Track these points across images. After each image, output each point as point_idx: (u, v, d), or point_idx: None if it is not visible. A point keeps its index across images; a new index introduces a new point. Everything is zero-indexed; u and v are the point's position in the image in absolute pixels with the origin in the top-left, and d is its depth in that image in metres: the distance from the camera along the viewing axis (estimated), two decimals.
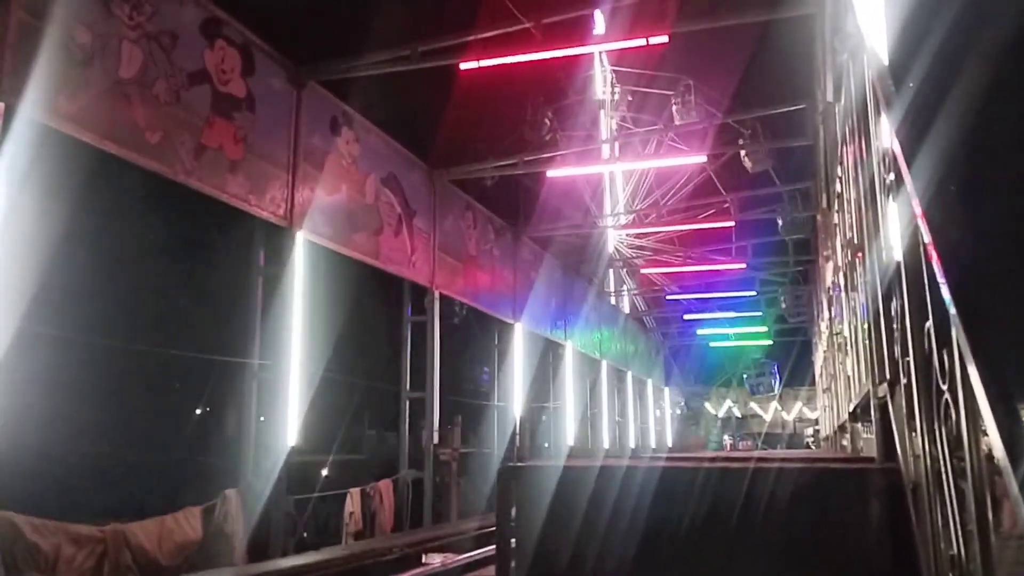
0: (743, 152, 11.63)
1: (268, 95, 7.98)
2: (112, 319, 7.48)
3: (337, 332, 9.91)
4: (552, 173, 12.70)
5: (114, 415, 7.88)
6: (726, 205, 15.32)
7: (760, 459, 3.37)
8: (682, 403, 32.21)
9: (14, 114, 5.31)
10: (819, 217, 11.15)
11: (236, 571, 6.25)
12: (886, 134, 2.72)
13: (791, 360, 26.22)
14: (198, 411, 10.36)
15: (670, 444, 29.02)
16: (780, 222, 14.50)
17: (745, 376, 28.68)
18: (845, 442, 7.33)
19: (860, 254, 4.03)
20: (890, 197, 2.74)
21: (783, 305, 20.51)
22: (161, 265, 8.76)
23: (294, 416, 8.00)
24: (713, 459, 3.99)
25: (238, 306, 8.59)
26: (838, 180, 5.99)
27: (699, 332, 26.97)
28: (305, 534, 9.38)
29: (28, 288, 5.84)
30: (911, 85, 2.26)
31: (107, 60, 6.13)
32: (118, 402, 7.92)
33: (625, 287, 23.32)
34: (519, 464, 3.63)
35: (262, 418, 8.21)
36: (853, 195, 4.42)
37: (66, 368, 6.94)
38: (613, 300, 22.87)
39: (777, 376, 28.73)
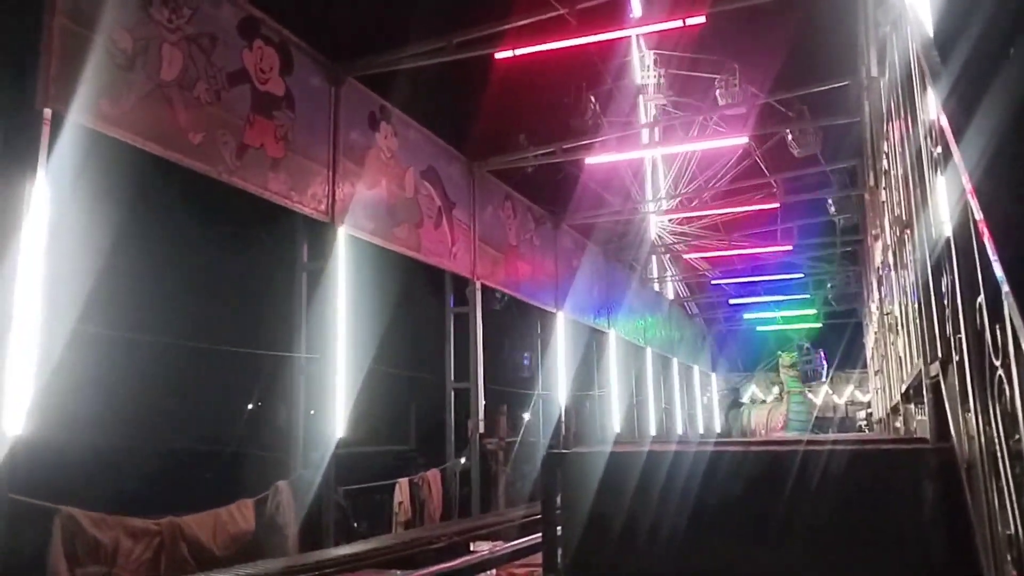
0: (789, 138, 11.43)
1: (307, 93, 8.06)
2: (163, 318, 7.65)
3: (381, 325, 10.01)
4: (592, 160, 12.63)
5: (168, 411, 8.07)
6: (772, 190, 15.08)
7: (810, 442, 3.32)
8: (728, 388, 31.85)
9: (60, 119, 5.45)
10: (867, 196, 10.90)
11: (288, 560, 6.37)
12: (932, 107, 2.65)
13: (843, 343, 25.70)
14: (249, 405, 10.57)
15: (718, 430, 28.75)
16: (830, 202, 14.22)
17: (792, 363, 28.17)
18: (898, 424, 7.18)
19: (908, 231, 3.94)
20: (938, 172, 2.67)
21: (831, 287, 20.13)
22: (208, 263, 8.93)
23: (341, 408, 8.11)
24: (762, 443, 3.93)
25: (284, 301, 8.73)
26: (884, 157, 5.85)
27: (746, 316, 26.63)
28: (356, 524, 9.53)
29: (82, 289, 6.00)
30: (958, 56, 2.19)
31: (148, 63, 6.25)
32: (172, 398, 8.12)
33: (668, 273, 23.12)
34: (564, 451, 3.63)
35: (312, 411, 8.33)
36: (900, 171, 4.32)
37: (121, 367, 7.12)
38: (656, 287, 22.69)
39: (824, 362, 28.16)
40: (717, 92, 12.64)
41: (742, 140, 12.61)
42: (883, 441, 3.69)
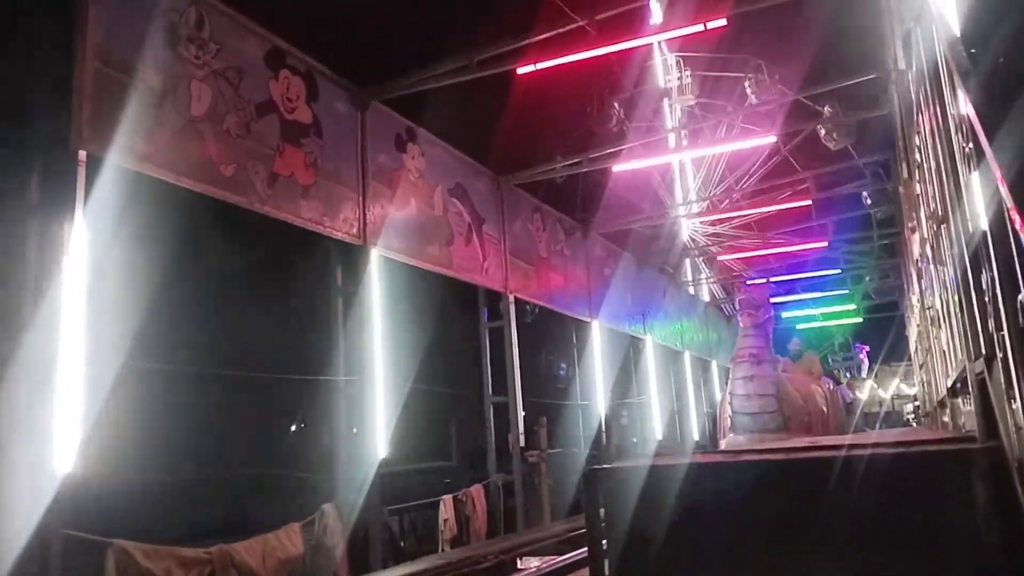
0: (823, 132, 11.31)
1: (333, 119, 8.17)
2: (204, 348, 7.77)
3: (417, 343, 10.06)
4: (619, 168, 12.60)
5: (214, 440, 8.17)
6: (804, 186, 14.90)
7: (853, 446, 3.27)
8: None
9: (95, 160, 5.59)
10: (901, 188, 10.73)
11: None
12: (962, 103, 2.61)
13: (887, 336, 25.19)
14: (292, 429, 10.67)
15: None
16: (866, 196, 14.00)
17: (831, 360, 27.62)
18: (946, 418, 7.03)
19: (944, 225, 3.87)
20: (971, 167, 2.63)
21: (869, 280, 19.79)
22: (246, 293, 9.05)
23: (382, 428, 8.16)
24: (804, 449, 3.88)
25: (321, 325, 8.82)
26: (916, 150, 5.76)
27: (784, 315, 26.31)
28: (403, 543, 9.55)
29: (125, 325, 6.13)
30: (986, 53, 2.16)
31: (178, 100, 6.39)
32: (216, 427, 8.22)
33: (703, 276, 22.92)
34: (605, 466, 3.62)
35: (355, 430, 8.39)
36: (932, 164, 4.25)
37: (165, 399, 7.24)
38: (692, 290, 22.50)
39: (866, 357, 27.53)
40: (747, 89, 12.51)
41: (770, 139, 12.49)
42: (930, 441, 3.62)
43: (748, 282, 21.45)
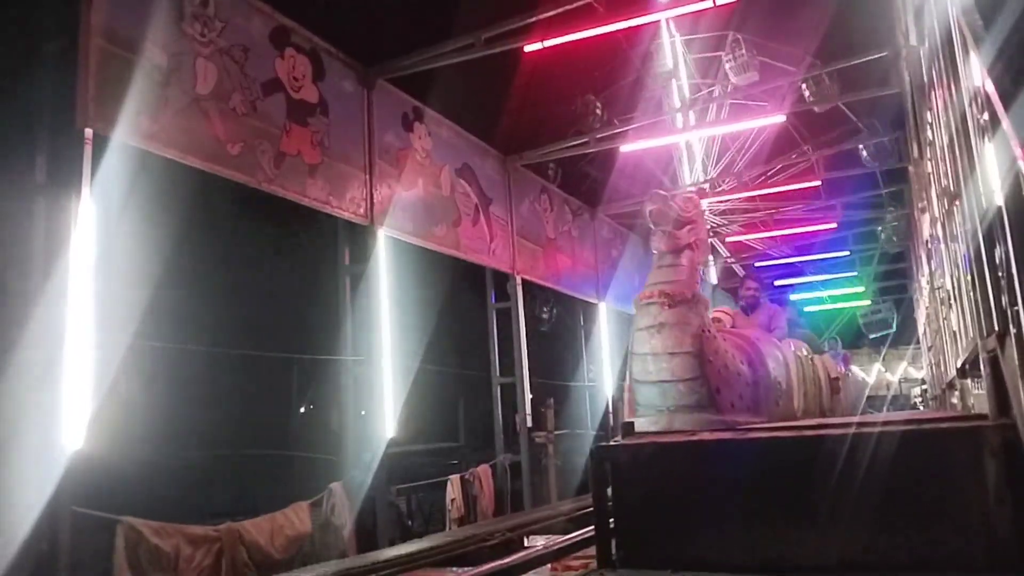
0: (806, 93, 11.17)
1: (340, 98, 8.13)
2: (211, 327, 7.79)
3: (425, 323, 10.06)
4: (626, 148, 12.51)
5: (223, 419, 8.21)
6: (810, 164, 14.77)
7: (862, 424, 3.24)
8: None
9: (101, 138, 5.57)
10: (911, 168, 10.63)
11: (347, 562, 6.44)
12: (976, 73, 2.56)
13: (894, 319, 24.99)
14: (301, 409, 10.71)
15: None
16: (864, 153, 13.66)
17: (861, 317, 26.74)
18: (955, 400, 7.00)
19: (957, 201, 3.82)
20: (986, 139, 2.58)
21: (878, 260, 19.61)
22: (254, 272, 9.06)
23: (390, 408, 8.17)
24: (814, 427, 3.86)
25: (329, 305, 8.82)
26: (928, 127, 5.69)
27: (791, 297, 26.18)
28: (410, 522, 9.60)
29: (133, 304, 6.14)
30: (1002, 20, 2.11)
31: (183, 78, 6.35)
32: (225, 406, 8.26)
33: (710, 257, 22.81)
34: (612, 443, 3.60)
35: (363, 412, 8.41)
36: (945, 140, 4.19)
37: (173, 378, 7.27)
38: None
39: (894, 311, 26.55)
40: (727, 67, 12.35)
41: (779, 119, 12.35)
42: (940, 419, 3.60)
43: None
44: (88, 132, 5.48)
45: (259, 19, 7.23)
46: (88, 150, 5.45)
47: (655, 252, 5.74)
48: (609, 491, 3.48)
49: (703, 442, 3.35)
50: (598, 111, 12.03)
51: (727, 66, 11.74)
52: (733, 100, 13.65)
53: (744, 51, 11.40)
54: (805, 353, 6.94)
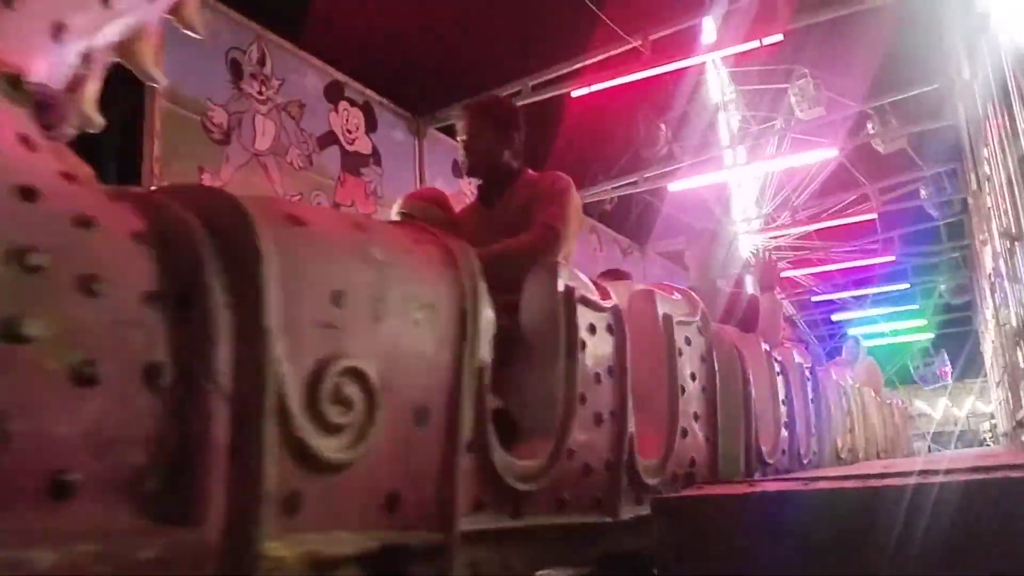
0: (871, 130, 11.05)
1: (392, 147, 8.34)
2: None
3: None
4: (675, 187, 12.51)
5: None
6: (867, 201, 14.54)
7: (925, 470, 3.12)
8: None
9: None
10: (970, 200, 10.42)
11: None
12: None
13: (962, 352, 24.19)
14: None
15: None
16: (924, 193, 13.44)
17: (913, 367, 26.27)
18: None
19: (1019, 243, 3.74)
20: None
21: (940, 295, 19.13)
22: None
23: None
24: (880, 476, 3.70)
25: None
26: (985, 162, 5.60)
27: (849, 332, 25.59)
28: None
29: None
30: None
31: (243, 135, 6.61)
32: None
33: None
34: (676, 495, 3.44)
35: None
36: (1003, 178, 4.11)
37: None
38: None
39: (947, 364, 26.06)
40: (792, 100, 12.26)
41: (832, 153, 12.22)
42: (1012, 467, 3.46)
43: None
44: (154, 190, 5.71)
45: (313, 75, 7.49)
46: None
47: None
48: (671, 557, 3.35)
49: (767, 493, 3.25)
50: (661, 133, 12.02)
51: (792, 99, 11.63)
52: (791, 135, 13.58)
53: (812, 86, 11.30)
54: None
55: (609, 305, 2.46)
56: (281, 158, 6.91)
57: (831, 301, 22.54)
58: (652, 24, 8.51)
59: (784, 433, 3.78)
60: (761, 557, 3.10)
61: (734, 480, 4.03)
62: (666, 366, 2.92)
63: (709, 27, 9.95)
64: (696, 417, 3.16)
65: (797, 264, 19.48)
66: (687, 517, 3.26)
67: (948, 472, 3.05)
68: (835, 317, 23.96)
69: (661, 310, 3.01)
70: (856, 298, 21.68)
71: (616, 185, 12.04)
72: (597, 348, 2.34)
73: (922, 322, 23.52)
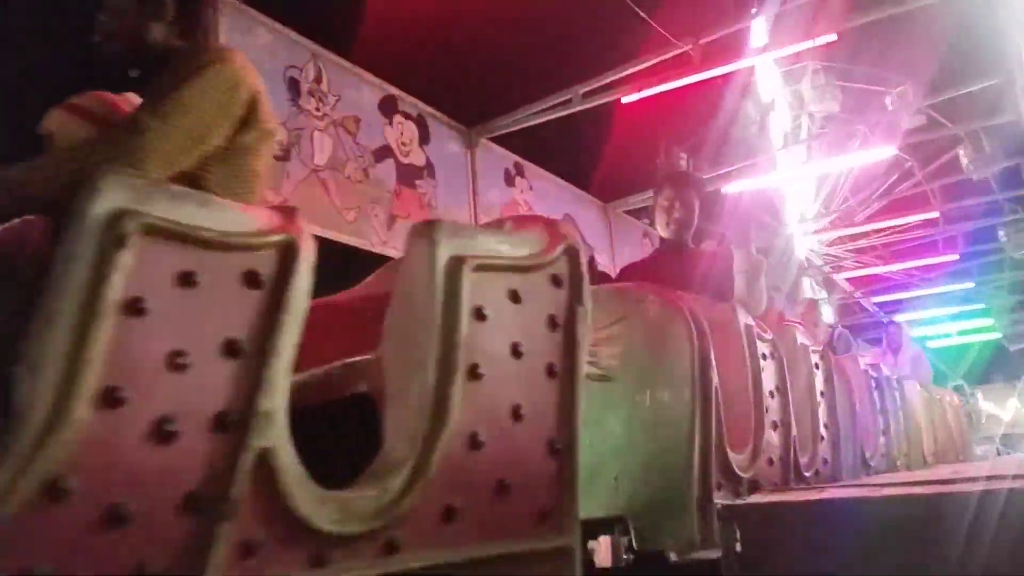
0: (964, 160, 10.84)
1: (445, 159, 8.47)
2: None
3: None
4: (728, 189, 12.40)
5: None
6: (929, 200, 14.19)
7: (992, 476, 2.99)
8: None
9: None
10: None
11: None
12: None
13: None
14: None
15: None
16: (1002, 233, 13.19)
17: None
18: None
19: None
20: None
21: (1009, 293, 18.54)
22: None
23: None
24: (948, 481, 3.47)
25: None
26: None
27: (912, 334, 24.87)
28: None
29: None
30: None
31: (302, 151, 6.79)
32: None
33: (824, 295, 22.06)
34: (742, 502, 3.22)
35: None
36: None
37: None
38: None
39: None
40: (888, 104, 12.00)
41: (890, 151, 11.97)
42: None
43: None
44: None
45: (368, 90, 7.66)
46: None
47: None
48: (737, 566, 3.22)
49: (832, 500, 3.08)
50: (683, 162, 12.01)
51: (889, 104, 11.47)
52: (843, 132, 13.35)
53: (909, 92, 11.13)
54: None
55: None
56: (339, 172, 7.08)
57: (892, 302, 21.99)
58: (702, 28, 8.48)
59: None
60: (827, 563, 3.04)
61: (800, 487, 3.92)
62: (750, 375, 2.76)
63: (760, 28, 9.86)
64: (775, 425, 3.00)
65: (857, 266, 19.09)
66: (753, 523, 3.14)
67: (1016, 477, 2.96)
68: (898, 317, 23.36)
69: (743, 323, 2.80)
70: (919, 298, 21.13)
71: None
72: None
73: (989, 321, 22.82)
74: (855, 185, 15.42)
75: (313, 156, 6.89)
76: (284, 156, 6.61)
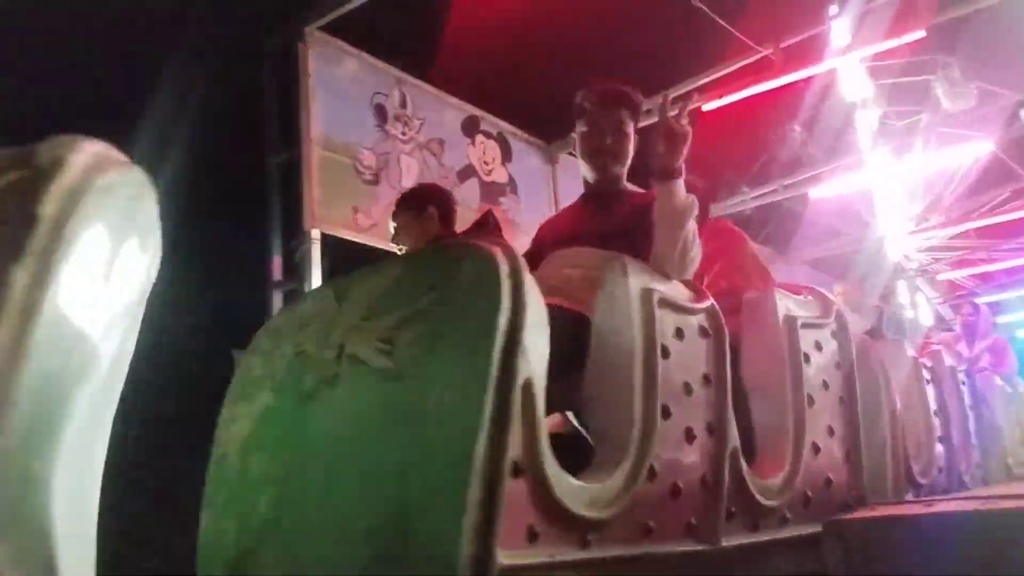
0: None
1: (527, 176, 8.58)
2: None
3: None
4: (816, 193, 12.11)
5: None
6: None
7: None
8: None
9: (326, 237, 6.25)
10: None
11: None
12: None
13: None
14: None
15: None
16: None
17: None
18: None
19: None
20: None
21: None
22: None
23: None
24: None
25: None
26: None
27: (1018, 335, 23.63)
28: None
29: None
30: None
31: (390, 174, 7.01)
32: None
33: (922, 297, 21.19)
34: (847, 517, 2.92)
35: None
36: None
37: None
38: (911, 314, 20.83)
39: None
40: (939, 92, 11.53)
41: (986, 146, 11.47)
42: None
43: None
44: (315, 232, 6.18)
45: (451, 112, 7.85)
46: (316, 248, 6.13)
47: None
48: None
49: (942, 514, 2.82)
50: (794, 134, 11.71)
51: (939, 91, 10.97)
52: (941, 129, 12.84)
53: (959, 74, 10.61)
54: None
55: (702, 306, 2.31)
56: None
57: (995, 303, 20.93)
58: (782, 31, 8.35)
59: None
60: None
61: (907, 500, 3.69)
62: (789, 374, 2.64)
63: (842, 28, 9.62)
64: (832, 431, 2.81)
65: (955, 265, 18.29)
66: (858, 539, 2.97)
67: None
68: (1002, 319, 22.23)
69: (782, 312, 2.75)
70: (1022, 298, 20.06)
71: (756, 195, 11.77)
72: (684, 355, 2.15)
73: None
74: (953, 183, 14.80)
75: (401, 179, 7.09)
76: (374, 180, 6.84)
